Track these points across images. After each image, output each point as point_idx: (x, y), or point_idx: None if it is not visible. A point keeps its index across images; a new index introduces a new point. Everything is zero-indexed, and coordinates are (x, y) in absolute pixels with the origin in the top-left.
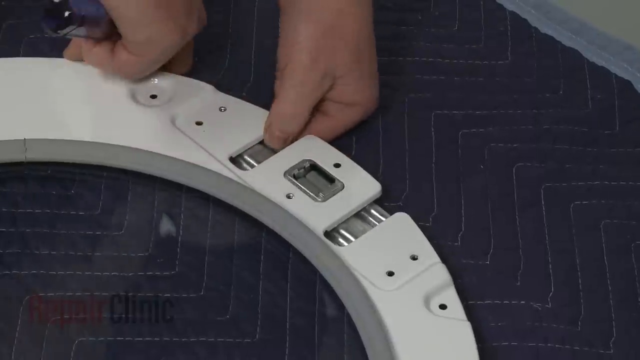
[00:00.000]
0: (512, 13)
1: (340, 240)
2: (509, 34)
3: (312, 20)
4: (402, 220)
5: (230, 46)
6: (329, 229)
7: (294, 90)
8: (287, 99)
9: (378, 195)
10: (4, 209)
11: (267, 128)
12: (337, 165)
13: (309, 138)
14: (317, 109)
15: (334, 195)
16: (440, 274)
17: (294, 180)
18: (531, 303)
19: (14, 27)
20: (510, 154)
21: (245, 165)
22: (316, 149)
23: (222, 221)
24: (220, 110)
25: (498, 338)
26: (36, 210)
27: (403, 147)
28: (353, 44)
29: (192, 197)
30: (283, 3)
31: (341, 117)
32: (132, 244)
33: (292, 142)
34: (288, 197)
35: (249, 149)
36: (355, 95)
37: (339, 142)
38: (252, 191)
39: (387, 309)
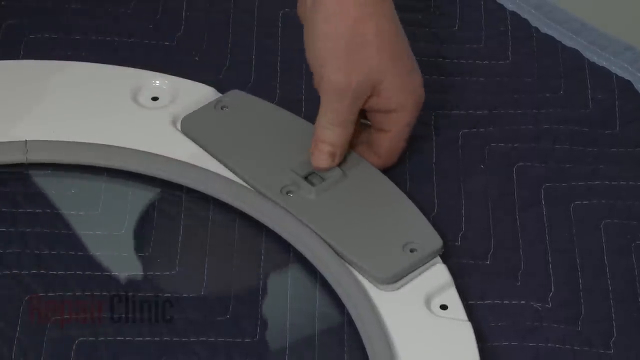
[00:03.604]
0: (513, 13)
1: None
2: (509, 34)
3: (334, 34)
4: None
5: (230, 46)
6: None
7: (330, 106)
8: (326, 111)
9: None
10: (4, 209)
11: (314, 147)
12: None
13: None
14: (369, 133)
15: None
16: (441, 274)
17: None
18: (531, 303)
19: (14, 27)
20: (511, 154)
21: None
22: None
23: (222, 221)
24: None
25: (498, 338)
26: (36, 210)
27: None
28: (383, 44)
29: (192, 197)
30: (302, 14)
31: (396, 125)
32: (132, 244)
33: (339, 161)
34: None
35: None
36: (401, 96)
37: None
38: (252, 191)
39: (387, 309)
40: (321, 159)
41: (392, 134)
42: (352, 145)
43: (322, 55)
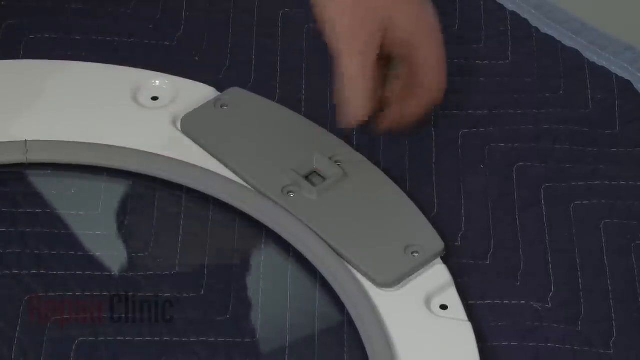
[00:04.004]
0: (513, 13)
1: None
2: (509, 34)
3: None
4: None
5: (230, 46)
6: None
7: (344, 55)
8: (342, 64)
9: None
10: (4, 209)
11: (337, 103)
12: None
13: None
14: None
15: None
16: (441, 274)
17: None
18: (531, 303)
19: (14, 27)
20: (511, 154)
21: None
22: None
23: (222, 221)
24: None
25: (498, 338)
26: (36, 210)
27: (403, 147)
28: None
29: (192, 197)
30: None
31: (423, 53)
32: (132, 244)
33: (364, 114)
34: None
35: None
36: (416, 24)
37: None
38: (252, 191)
39: (387, 309)
40: (344, 116)
41: (425, 67)
42: (394, 94)
43: (328, 5)
